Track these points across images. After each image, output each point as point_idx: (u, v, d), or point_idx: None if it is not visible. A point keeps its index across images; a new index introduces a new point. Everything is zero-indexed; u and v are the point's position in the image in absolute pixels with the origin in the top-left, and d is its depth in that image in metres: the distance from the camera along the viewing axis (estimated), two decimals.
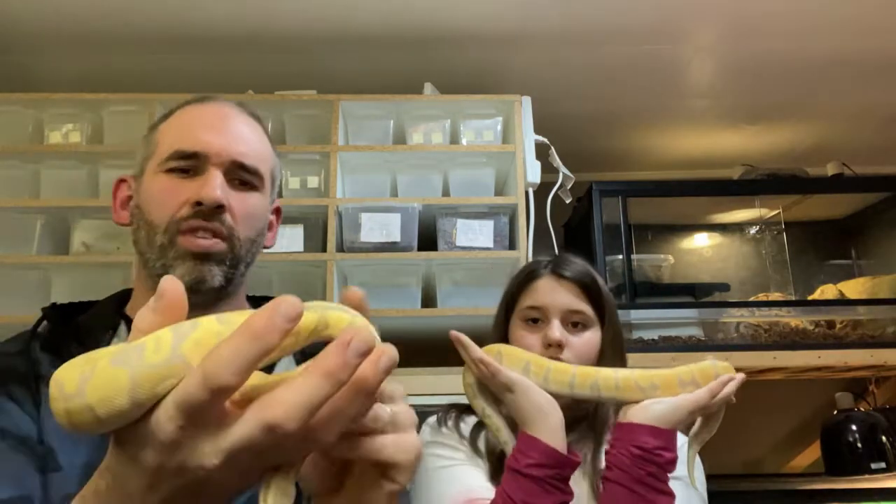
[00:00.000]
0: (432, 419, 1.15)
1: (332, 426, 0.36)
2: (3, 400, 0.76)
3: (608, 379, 0.98)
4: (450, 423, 1.12)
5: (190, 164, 0.86)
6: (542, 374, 0.99)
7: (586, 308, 1.11)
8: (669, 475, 0.94)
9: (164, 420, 0.34)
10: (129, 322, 0.88)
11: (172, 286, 0.38)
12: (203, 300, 0.84)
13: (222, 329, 0.36)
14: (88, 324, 0.87)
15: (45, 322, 0.87)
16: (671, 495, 0.92)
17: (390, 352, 0.38)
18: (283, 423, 0.34)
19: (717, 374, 0.97)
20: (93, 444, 0.73)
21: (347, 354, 0.35)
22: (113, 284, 1.74)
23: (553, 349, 1.07)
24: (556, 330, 1.08)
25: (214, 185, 0.84)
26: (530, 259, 1.79)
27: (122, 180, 0.94)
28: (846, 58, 2.06)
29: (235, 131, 0.89)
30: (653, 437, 0.92)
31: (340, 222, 1.80)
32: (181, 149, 0.85)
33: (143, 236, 0.86)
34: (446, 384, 1.58)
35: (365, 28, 1.91)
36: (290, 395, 0.34)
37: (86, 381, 0.34)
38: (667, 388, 0.96)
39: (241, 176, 0.88)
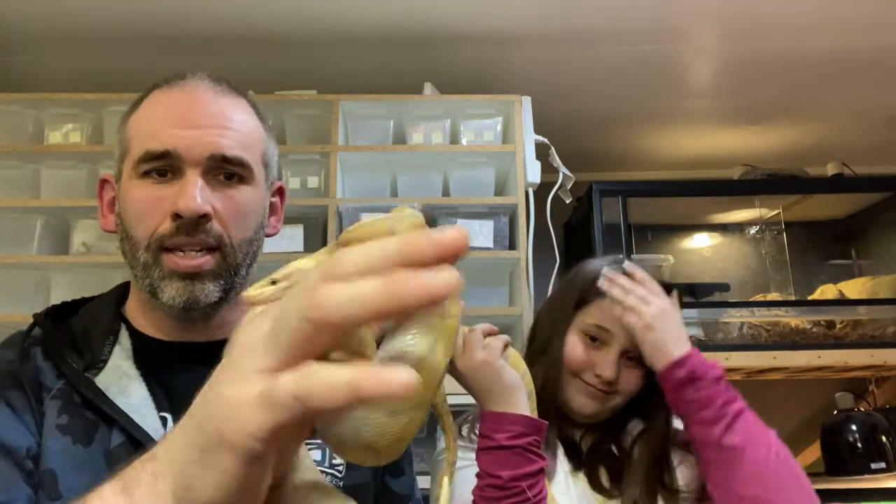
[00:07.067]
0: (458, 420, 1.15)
1: None
2: None
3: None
4: (466, 426, 1.11)
5: (164, 164, 0.75)
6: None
7: None
8: None
9: None
10: (129, 326, 0.81)
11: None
12: (201, 315, 0.77)
13: None
14: (86, 329, 0.78)
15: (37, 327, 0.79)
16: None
17: None
18: None
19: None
20: (95, 471, 0.68)
21: None
22: (113, 285, 1.76)
23: (600, 382, 1.07)
24: (611, 368, 1.06)
25: (192, 194, 0.73)
26: (530, 259, 1.78)
27: (104, 180, 0.84)
28: (846, 58, 2.06)
29: (212, 119, 0.77)
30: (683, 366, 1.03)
31: (340, 222, 1.80)
32: (150, 149, 0.75)
33: (127, 250, 0.78)
34: (449, 383, 1.58)
35: (365, 28, 1.91)
36: None
37: None
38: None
39: (226, 169, 0.76)
